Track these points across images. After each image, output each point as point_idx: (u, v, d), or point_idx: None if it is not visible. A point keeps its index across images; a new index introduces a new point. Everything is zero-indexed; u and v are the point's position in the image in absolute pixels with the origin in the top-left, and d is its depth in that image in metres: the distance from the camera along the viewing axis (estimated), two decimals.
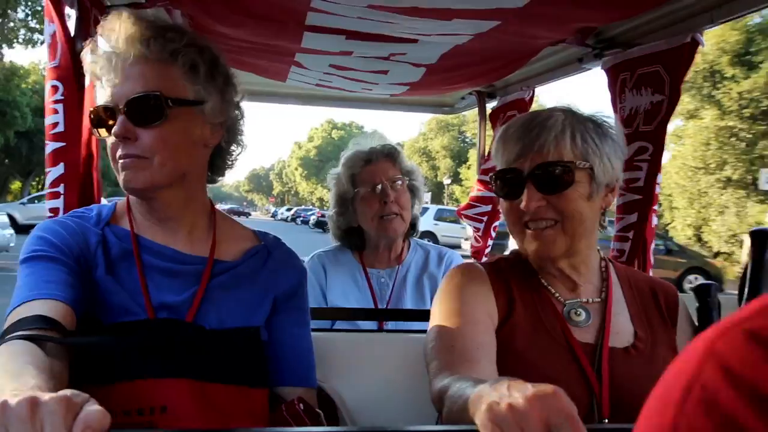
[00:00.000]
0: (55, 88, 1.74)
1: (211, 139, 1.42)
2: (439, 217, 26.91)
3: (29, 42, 26.42)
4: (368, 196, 2.42)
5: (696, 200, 24.97)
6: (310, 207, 68.41)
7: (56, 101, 1.74)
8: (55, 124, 1.75)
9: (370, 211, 2.42)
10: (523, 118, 1.45)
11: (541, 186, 1.38)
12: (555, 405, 0.79)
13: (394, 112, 3.74)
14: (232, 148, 1.52)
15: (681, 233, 25.49)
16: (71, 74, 1.72)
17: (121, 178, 1.33)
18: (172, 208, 1.41)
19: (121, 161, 1.31)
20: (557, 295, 1.49)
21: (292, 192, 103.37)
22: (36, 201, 23.76)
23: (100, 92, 1.36)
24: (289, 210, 69.02)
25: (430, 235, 25.45)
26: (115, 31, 1.31)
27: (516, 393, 0.83)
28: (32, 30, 26.46)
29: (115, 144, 1.32)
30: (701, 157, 23.96)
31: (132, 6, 1.95)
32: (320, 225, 27.78)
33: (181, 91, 1.34)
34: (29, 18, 26.51)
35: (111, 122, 1.31)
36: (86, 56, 1.35)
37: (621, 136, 1.49)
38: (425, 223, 26.06)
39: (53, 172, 1.76)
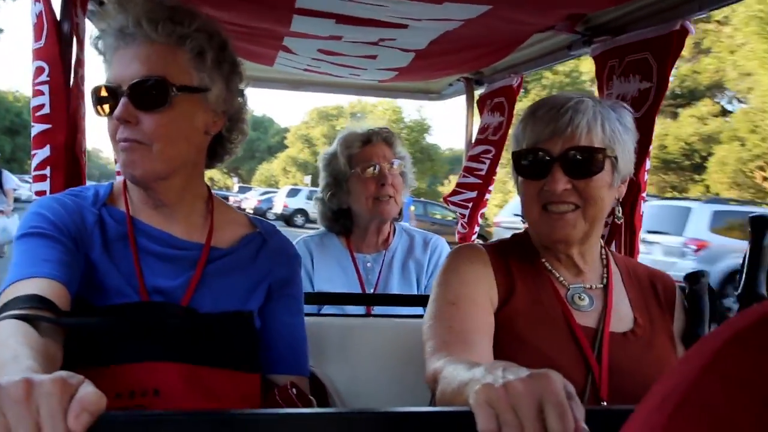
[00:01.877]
0: (40, 69, 1.71)
1: (212, 126, 1.41)
2: (311, 197, 27.48)
3: None
4: (365, 176, 2.40)
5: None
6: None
7: (41, 82, 1.72)
8: (41, 106, 1.72)
9: (366, 191, 2.40)
10: (552, 100, 1.44)
11: (569, 169, 1.38)
12: (548, 387, 0.79)
13: (367, 98, 3.74)
14: (233, 135, 1.50)
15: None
16: (57, 55, 1.69)
17: (120, 160, 1.31)
18: (169, 195, 1.40)
19: (121, 144, 1.30)
20: (561, 278, 1.50)
21: None
22: None
23: (107, 69, 1.34)
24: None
25: (302, 213, 27.03)
26: (125, 11, 1.29)
27: (511, 376, 0.84)
28: None
29: (114, 125, 1.30)
30: None
31: None
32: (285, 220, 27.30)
33: (186, 78, 1.32)
34: None
35: (112, 102, 1.29)
36: (91, 32, 1.34)
37: (634, 127, 1.50)
38: (299, 201, 27.82)
39: (39, 155, 1.74)
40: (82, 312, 1.27)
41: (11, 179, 9.97)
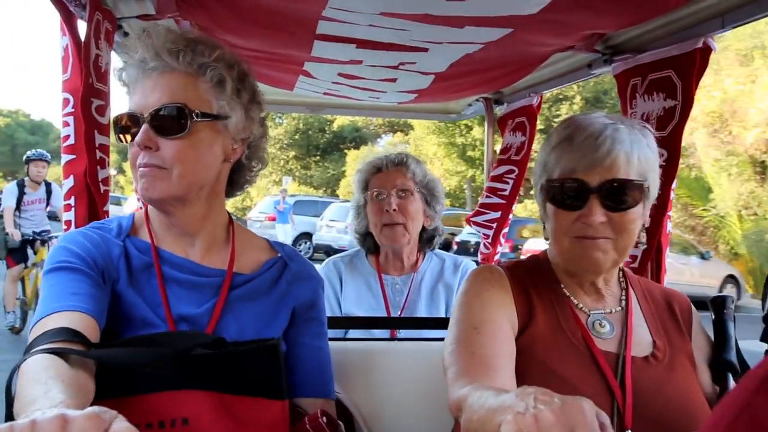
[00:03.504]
0: (66, 101, 1.74)
1: (232, 154, 1.43)
2: None
3: None
4: (374, 203, 2.48)
5: None
6: None
7: (67, 114, 1.75)
8: (67, 137, 1.75)
9: (375, 218, 2.48)
10: (586, 125, 1.40)
11: (607, 202, 1.36)
12: (580, 419, 0.79)
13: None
14: (253, 164, 1.52)
15: None
16: (80, 86, 1.71)
17: (139, 186, 1.34)
18: (190, 223, 1.42)
19: (140, 169, 1.33)
20: (580, 305, 1.48)
21: None
22: None
23: (130, 99, 1.38)
24: None
25: None
26: (147, 42, 1.32)
27: (542, 405, 0.83)
28: None
29: (136, 152, 1.33)
30: None
31: (142, 18, 1.95)
32: None
33: (206, 105, 1.35)
34: None
35: (134, 130, 1.32)
36: (116, 63, 1.37)
37: (657, 151, 1.48)
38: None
39: (66, 185, 1.77)
40: (111, 344, 1.28)
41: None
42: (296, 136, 39.02)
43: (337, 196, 32.86)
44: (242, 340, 1.37)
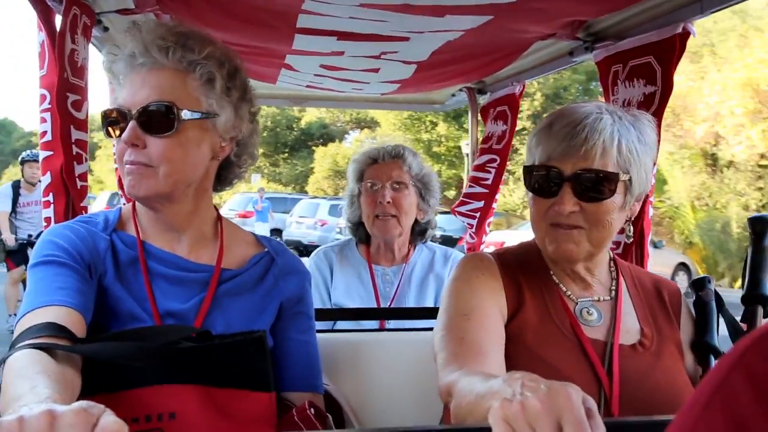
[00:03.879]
0: (43, 97, 1.73)
1: (220, 151, 1.42)
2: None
3: None
4: (367, 194, 2.48)
5: None
6: None
7: (44, 110, 1.73)
8: (44, 133, 1.74)
9: (368, 209, 2.47)
10: (569, 114, 1.38)
11: (579, 191, 1.35)
12: (567, 405, 0.79)
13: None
14: (242, 160, 1.51)
15: None
16: (56, 82, 1.70)
17: (125, 182, 1.32)
18: (178, 219, 1.41)
19: (127, 166, 1.31)
20: (569, 293, 1.48)
21: None
22: None
23: (117, 92, 1.36)
24: None
25: None
26: (136, 37, 1.31)
27: (529, 392, 0.83)
28: None
29: (123, 148, 1.32)
30: None
31: (121, 12, 1.94)
32: None
33: (195, 104, 1.33)
34: None
35: (122, 125, 1.31)
36: (95, 58, 1.35)
37: (655, 141, 1.46)
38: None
39: (44, 181, 1.76)
40: (97, 338, 1.27)
41: None
42: (264, 134, 39.03)
43: (306, 192, 33.03)
44: (226, 334, 1.36)
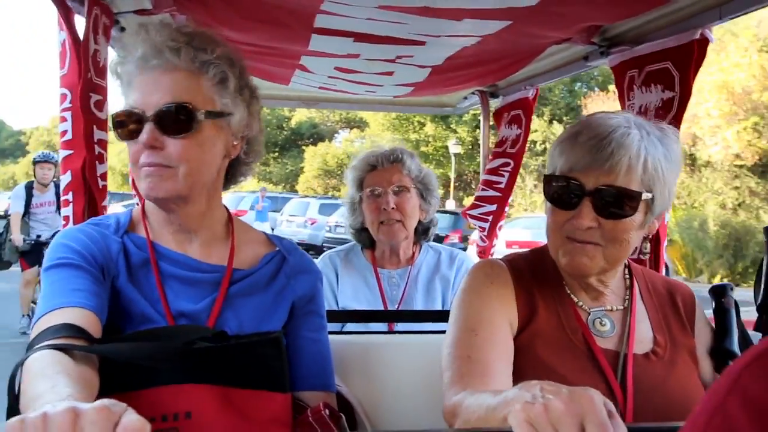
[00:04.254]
0: (64, 96, 1.74)
1: (233, 150, 1.43)
2: None
3: None
4: (370, 201, 2.48)
5: None
6: None
7: (65, 109, 1.74)
8: (65, 132, 1.75)
9: (371, 215, 2.48)
10: (596, 125, 1.34)
11: (599, 207, 1.32)
12: (589, 407, 0.80)
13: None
14: (250, 158, 1.52)
15: None
16: (77, 82, 1.71)
17: (143, 185, 1.32)
18: (191, 220, 1.42)
19: (144, 168, 1.31)
20: (581, 303, 1.46)
21: None
22: None
23: (126, 94, 1.36)
24: None
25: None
26: (146, 38, 1.31)
27: (551, 395, 0.83)
28: None
29: (138, 150, 1.32)
30: None
31: (138, 12, 1.95)
32: None
33: (210, 103, 1.34)
34: None
35: (135, 127, 1.31)
36: (113, 56, 1.36)
37: (681, 158, 1.42)
38: None
39: (63, 180, 1.76)
40: (114, 339, 1.28)
41: None
42: None
43: (296, 191, 33.39)
44: (242, 334, 1.37)
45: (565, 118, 25.89)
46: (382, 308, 2.48)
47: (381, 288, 2.51)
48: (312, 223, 20.33)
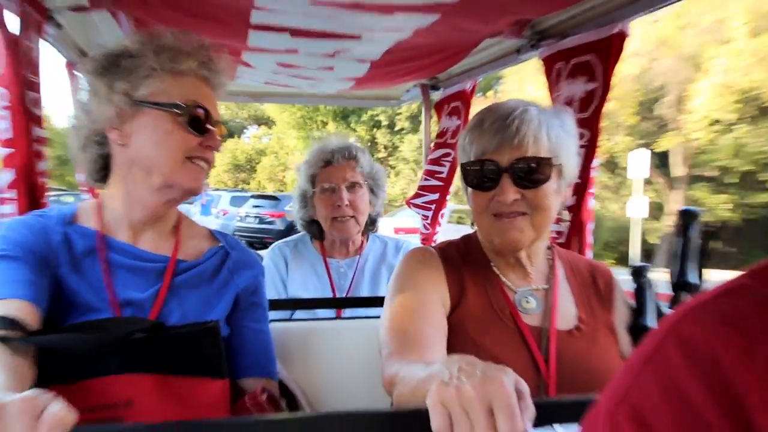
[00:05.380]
0: (2, 95, 1.74)
1: None
2: None
3: None
4: (323, 197, 2.49)
5: None
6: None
7: (4, 107, 1.74)
8: (4, 131, 1.74)
9: (324, 211, 2.50)
10: (497, 110, 1.45)
11: (518, 180, 1.41)
12: (499, 391, 0.84)
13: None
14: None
15: None
16: (14, 80, 1.71)
17: (186, 176, 1.41)
18: (164, 215, 1.49)
19: (198, 162, 1.42)
20: (509, 283, 1.54)
21: None
22: None
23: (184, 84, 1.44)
24: None
25: None
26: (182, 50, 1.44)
27: (464, 377, 0.88)
28: None
29: (199, 146, 1.41)
30: None
31: (75, 10, 1.95)
32: None
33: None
34: None
35: (204, 124, 1.42)
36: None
37: (576, 132, 1.53)
38: None
39: (3, 178, 1.76)
40: (54, 330, 1.30)
41: None
42: None
43: (208, 184, 34.19)
44: (182, 324, 1.41)
45: None
46: (331, 296, 2.52)
47: (330, 277, 2.55)
48: (224, 214, 21.44)
